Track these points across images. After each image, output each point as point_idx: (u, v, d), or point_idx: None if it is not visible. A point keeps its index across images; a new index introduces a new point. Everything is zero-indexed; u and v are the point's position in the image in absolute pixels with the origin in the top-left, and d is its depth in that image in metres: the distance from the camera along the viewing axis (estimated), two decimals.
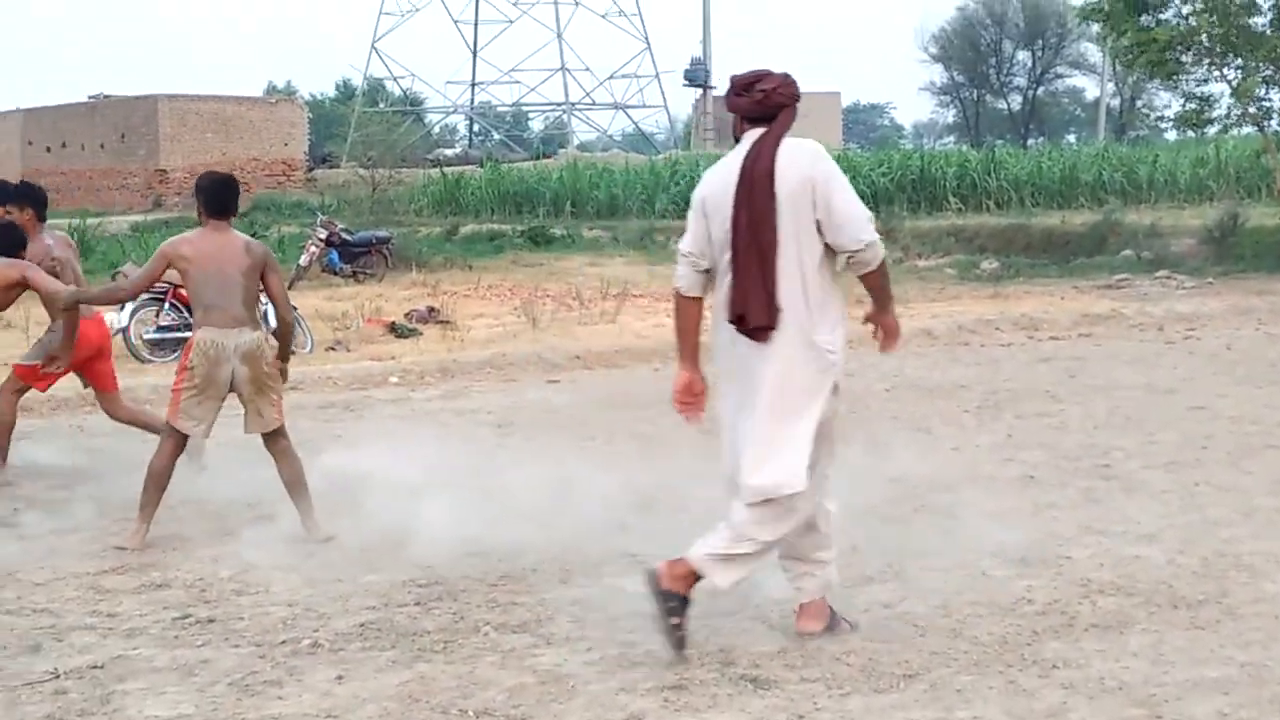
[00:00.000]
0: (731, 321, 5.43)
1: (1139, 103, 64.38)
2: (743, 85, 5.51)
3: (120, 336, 13.59)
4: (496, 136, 72.09)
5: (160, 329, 14.13)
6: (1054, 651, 5.37)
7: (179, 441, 7.22)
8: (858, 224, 5.35)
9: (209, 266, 7.11)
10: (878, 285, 5.60)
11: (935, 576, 6.35)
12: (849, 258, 5.45)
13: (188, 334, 13.58)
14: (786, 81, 5.50)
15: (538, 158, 46.85)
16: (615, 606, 5.97)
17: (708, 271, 5.52)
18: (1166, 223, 22.64)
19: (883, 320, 5.74)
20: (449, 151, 56.54)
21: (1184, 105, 21.25)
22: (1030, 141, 60.23)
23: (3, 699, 5.08)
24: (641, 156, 45.26)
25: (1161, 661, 5.25)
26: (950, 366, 12.44)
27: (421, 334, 15.13)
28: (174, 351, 14.12)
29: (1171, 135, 27.48)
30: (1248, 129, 21.87)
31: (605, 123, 70.68)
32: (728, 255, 5.40)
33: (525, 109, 74.98)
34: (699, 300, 5.59)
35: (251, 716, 4.88)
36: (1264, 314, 15.35)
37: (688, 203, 20.83)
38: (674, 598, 5.28)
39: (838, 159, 24.15)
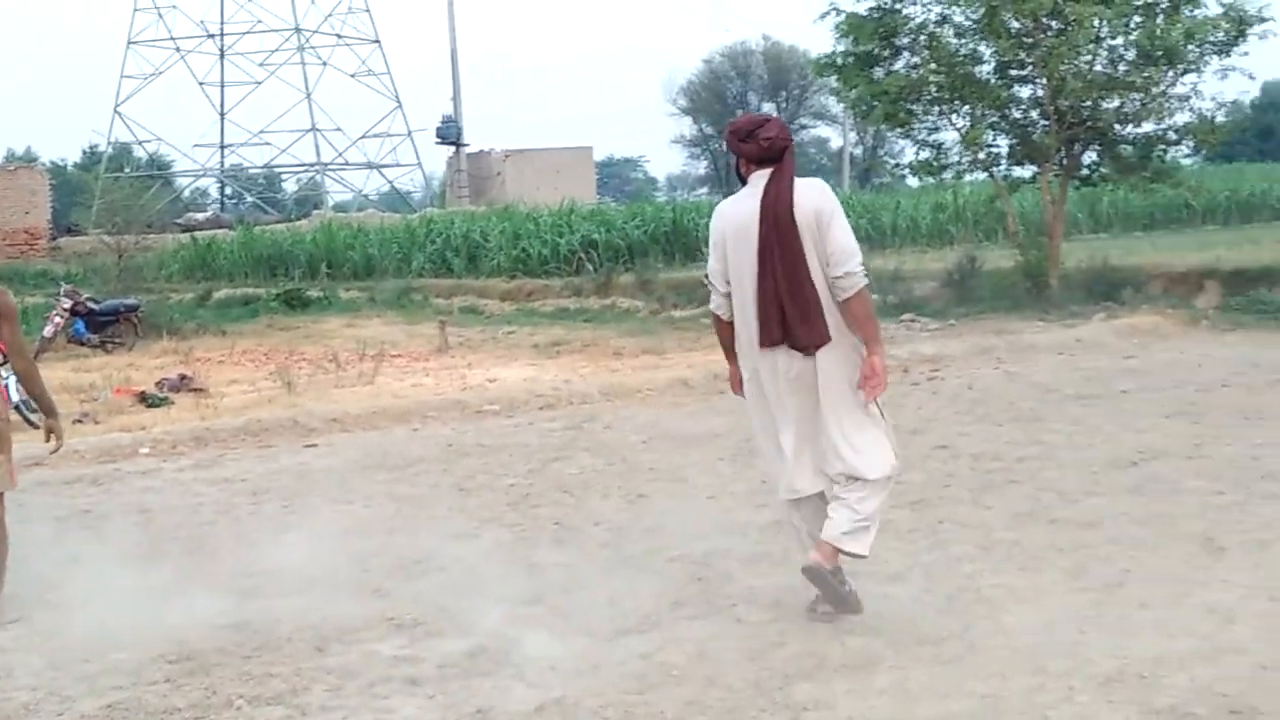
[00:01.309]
0: (779, 344, 6.25)
1: (880, 151, 66.40)
2: (745, 133, 6.27)
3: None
4: (249, 199, 71.04)
5: None
6: (805, 693, 5.49)
7: None
8: (845, 254, 6.18)
9: None
10: (861, 315, 6.27)
11: (692, 625, 6.43)
12: (832, 282, 6.21)
13: None
14: (783, 126, 6.37)
15: (291, 219, 46.25)
16: (372, 672, 5.92)
17: (728, 296, 6.37)
18: (909, 267, 23.33)
19: (869, 360, 6.27)
20: (200, 215, 55.43)
21: (918, 153, 22.01)
22: None
23: None
24: (397, 215, 45.04)
25: (907, 698, 5.40)
26: (705, 416, 12.61)
27: (173, 403, 14.77)
28: None
29: (913, 182, 28.40)
30: (979, 174, 22.70)
31: (359, 182, 70.29)
32: (753, 284, 6.23)
33: (277, 170, 74.03)
34: (730, 322, 6.47)
35: None
36: (1003, 352, 15.91)
37: (444, 260, 20.91)
38: (836, 570, 6.25)
39: (591, 214, 24.44)
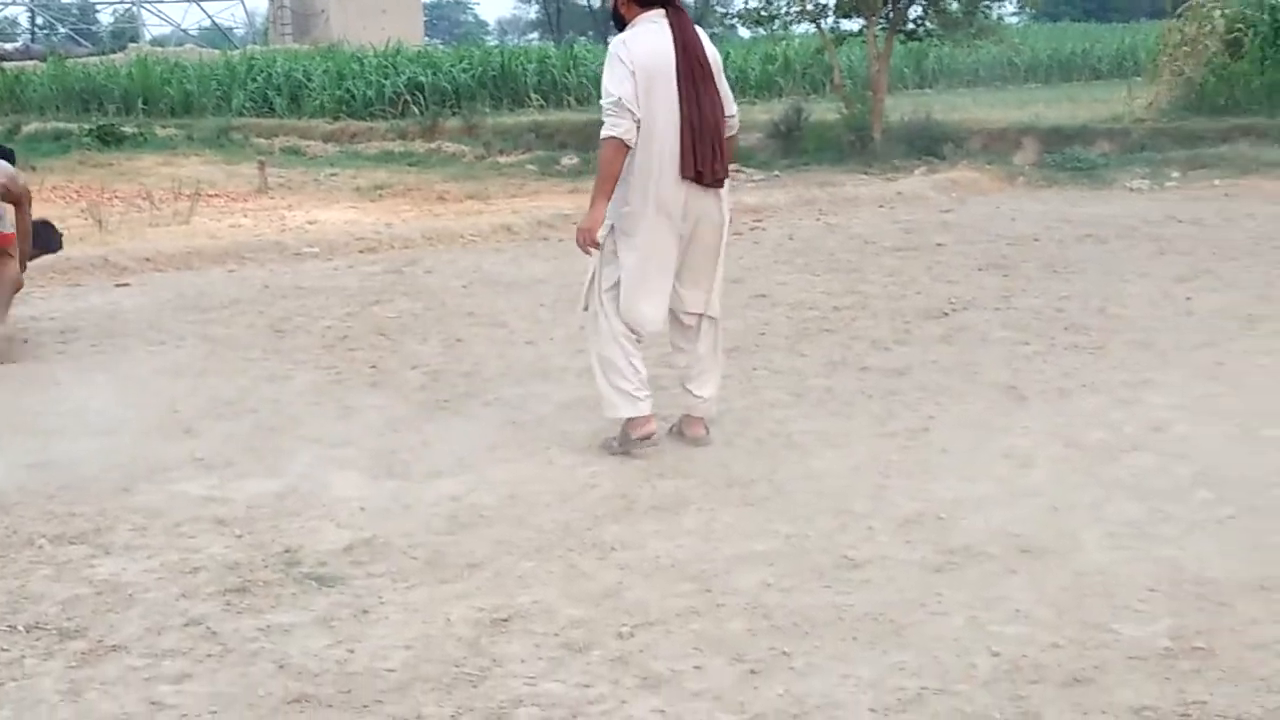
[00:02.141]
0: (688, 177, 6.39)
1: (713, 1, 65.97)
2: None
3: None
4: (61, 30, 68.43)
5: None
6: (613, 534, 5.56)
7: None
8: (730, 96, 6.62)
9: None
10: (730, 155, 6.67)
11: (504, 467, 6.46)
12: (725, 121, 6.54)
13: None
14: None
15: (106, 53, 44.69)
16: (179, 512, 5.85)
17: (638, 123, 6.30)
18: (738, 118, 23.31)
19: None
20: (9, 46, 53.36)
21: (747, 3, 21.90)
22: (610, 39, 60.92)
23: None
24: (217, 52, 43.77)
25: (713, 538, 5.49)
26: (528, 261, 12.57)
27: None
28: None
29: (745, 33, 28.35)
30: (808, 26, 22.70)
31: (178, 16, 68.20)
32: (673, 119, 6.33)
33: (92, 1, 71.36)
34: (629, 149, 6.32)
35: None
36: (824, 205, 16.06)
37: (265, 99, 20.38)
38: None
39: (418, 56, 23.91)
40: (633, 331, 6.55)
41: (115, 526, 5.70)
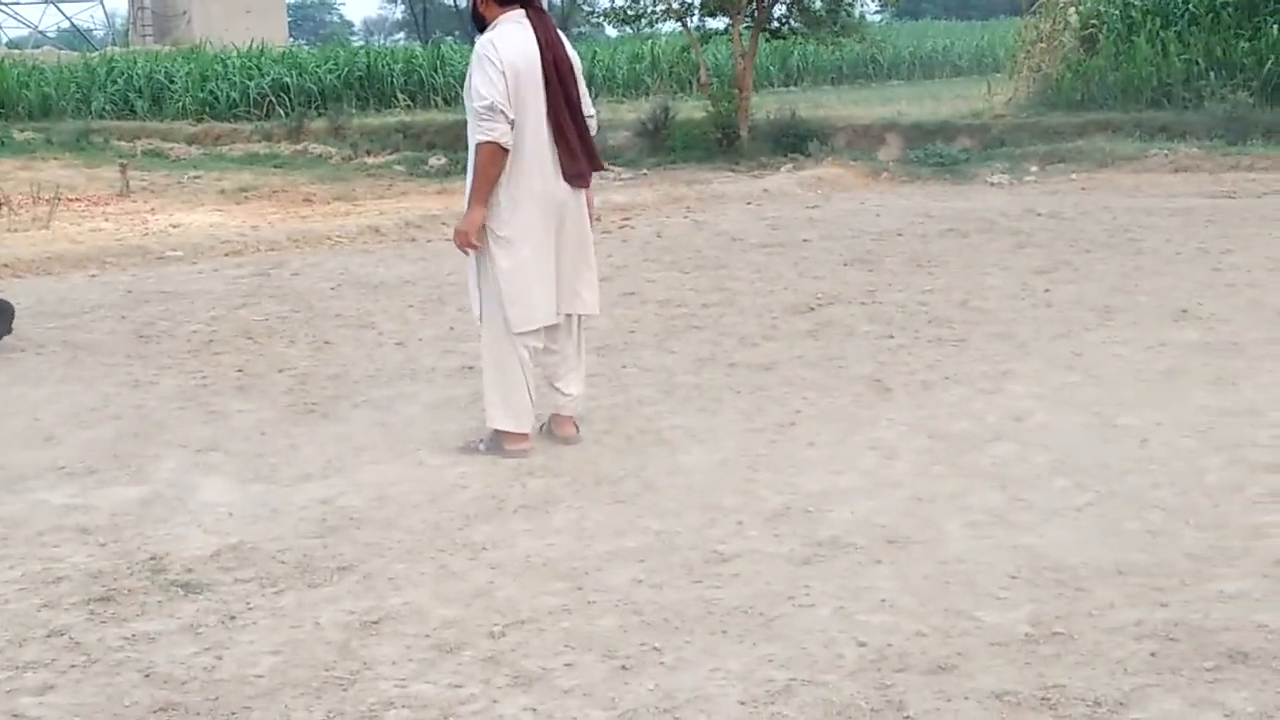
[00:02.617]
0: (568, 179, 6.52)
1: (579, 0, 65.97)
2: None
3: None
4: None
5: None
6: (484, 534, 5.56)
7: None
8: (588, 99, 6.71)
9: None
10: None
11: (374, 469, 6.43)
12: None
13: None
14: None
15: None
16: (40, 521, 5.76)
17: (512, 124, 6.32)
18: (605, 116, 23.32)
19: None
20: None
21: (613, 2, 21.96)
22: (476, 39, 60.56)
23: None
24: (76, 54, 42.94)
25: (584, 536, 5.52)
26: (396, 263, 12.50)
27: None
28: None
29: (612, 32, 28.43)
30: (673, 24, 22.80)
31: (35, 18, 66.71)
32: (542, 119, 6.41)
33: None
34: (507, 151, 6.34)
35: None
36: (692, 202, 16.16)
37: (126, 102, 20.05)
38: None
39: (282, 56, 23.54)
40: (527, 334, 6.53)
41: None
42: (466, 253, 6.53)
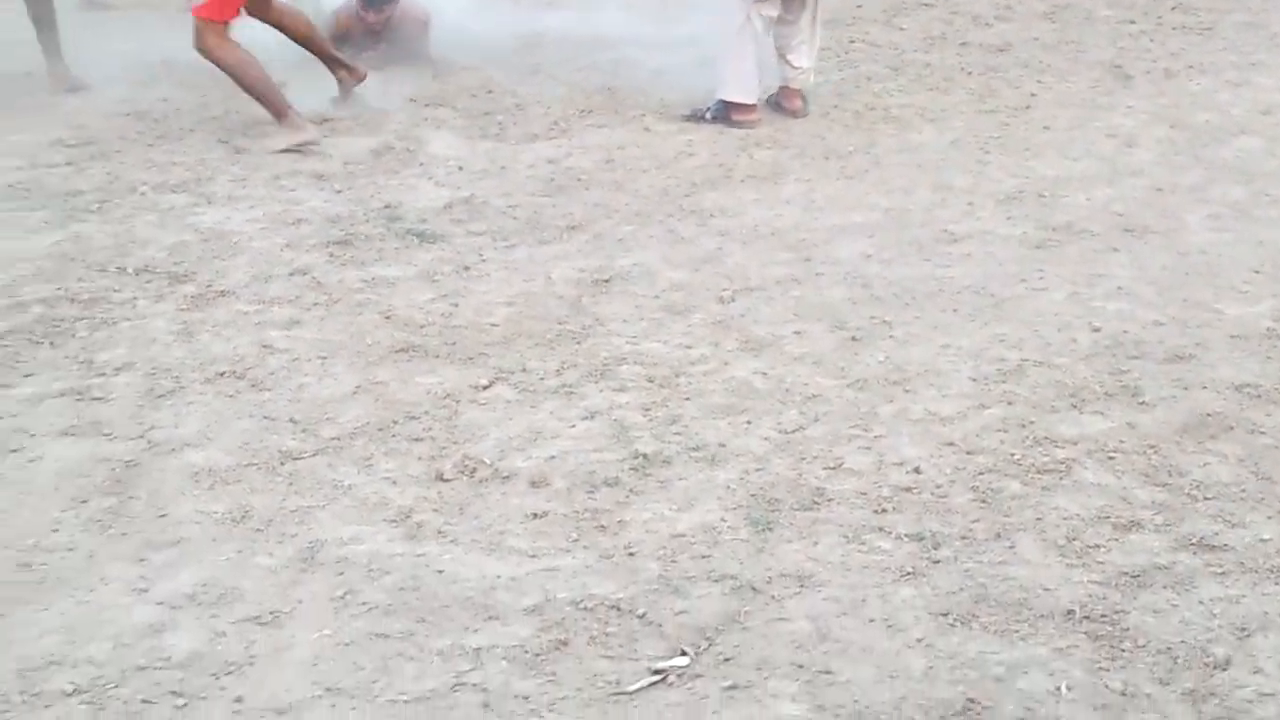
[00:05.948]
0: None
1: None
2: None
3: None
4: None
5: None
6: (711, 201, 5.54)
7: None
8: None
9: None
10: None
11: (600, 134, 6.40)
12: None
13: None
14: None
15: None
16: (277, 166, 5.85)
17: None
18: None
19: None
20: None
21: None
22: None
23: None
24: None
25: (812, 208, 5.47)
26: None
27: None
28: None
29: None
30: None
31: None
32: None
33: None
34: None
35: None
36: None
37: None
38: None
39: None
40: (763, 1, 6.39)
41: (215, 177, 5.72)
42: None
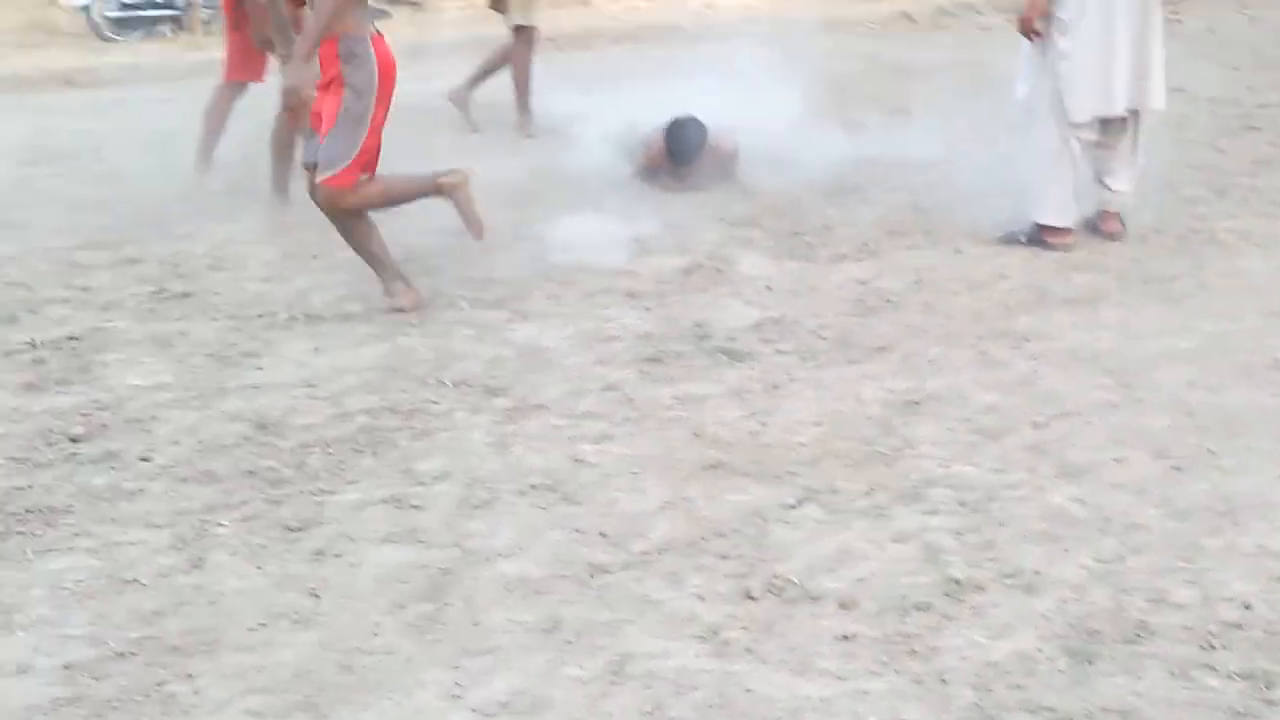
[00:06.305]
0: None
1: None
2: None
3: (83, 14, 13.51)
4: None
5: (124, 6, 13.97)
6: (1026, 325, 5.42)
7: None
8: None
9: None
10: None
11: (910, 255, 6.37)
12: None
13: (153, 12, 13.19)
14: None
15: None
16: (591, 284, 5.97)
17: None
18: None
19: None
20: None
21: None
22: None
23: None
24: None
25: (1132, 334, 5.31)
26: (927, 48, 12.25)
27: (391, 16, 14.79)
28: (137, 30, 13.91)
29: None
30: None
31: None
32: None
33: None
34: None
35: (230, 385, 4.92)
36: None
37: None
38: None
39: None
40: (1082, 125, 6.26)
41: (530, 294, 5.86)
42: (1030, 38, 6.27)
